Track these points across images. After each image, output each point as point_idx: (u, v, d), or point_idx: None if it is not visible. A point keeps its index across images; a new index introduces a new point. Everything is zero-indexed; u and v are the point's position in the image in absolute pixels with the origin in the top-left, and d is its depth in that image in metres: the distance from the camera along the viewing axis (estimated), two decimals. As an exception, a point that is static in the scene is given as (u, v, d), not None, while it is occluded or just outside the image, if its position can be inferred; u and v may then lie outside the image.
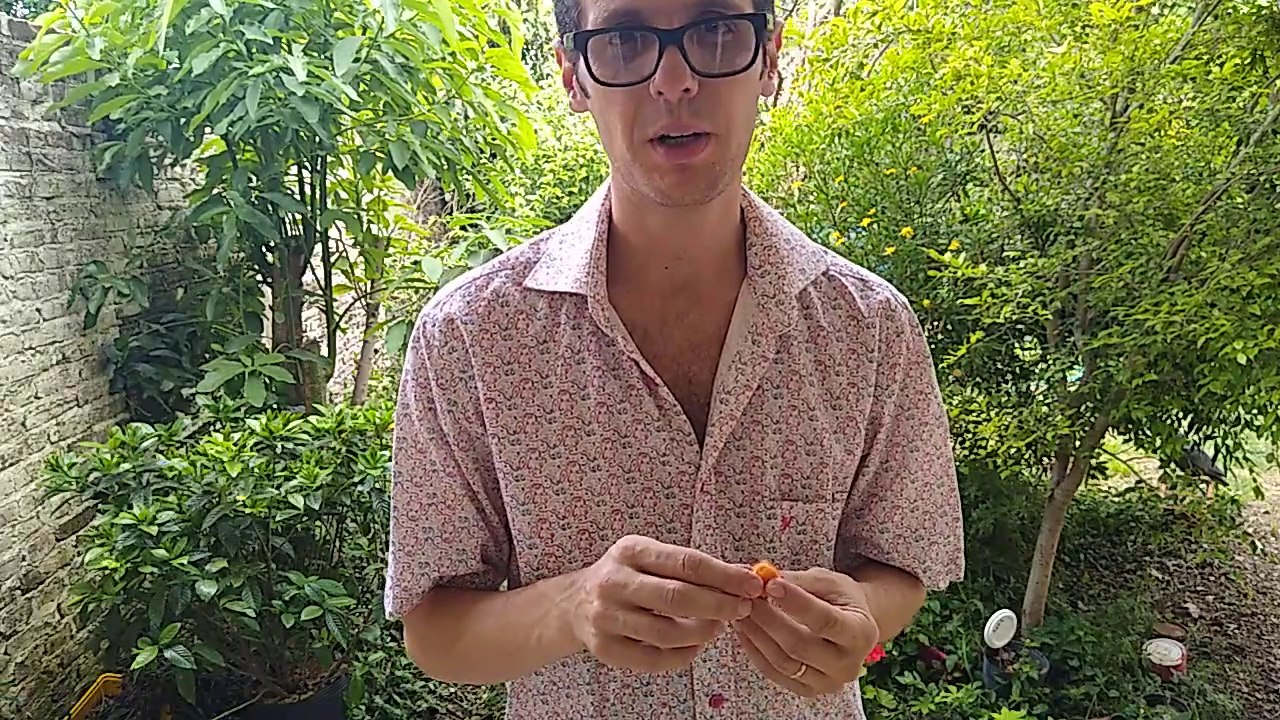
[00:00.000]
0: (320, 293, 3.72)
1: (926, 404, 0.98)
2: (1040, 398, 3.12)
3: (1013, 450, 2.82)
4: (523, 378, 0.89)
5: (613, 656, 0.72)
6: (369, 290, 4.06)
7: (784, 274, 0.90)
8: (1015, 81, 2.60)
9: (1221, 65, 2.47)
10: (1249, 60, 2.49)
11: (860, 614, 0.74)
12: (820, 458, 0.91)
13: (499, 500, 0.94)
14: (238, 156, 3.25)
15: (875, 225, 3.23)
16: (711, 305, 0.90)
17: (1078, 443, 2.95)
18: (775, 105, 5.17)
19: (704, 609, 0.68)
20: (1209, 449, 3.57)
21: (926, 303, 3.09)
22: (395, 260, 4.07)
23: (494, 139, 3.60)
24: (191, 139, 3.17)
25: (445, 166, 3.37)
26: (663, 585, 0.69)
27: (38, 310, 2.97)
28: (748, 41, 0.76)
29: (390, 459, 2.68)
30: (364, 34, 3.04)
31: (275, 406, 3.10)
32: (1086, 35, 2.66)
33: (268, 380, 3.15)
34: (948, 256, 2.65)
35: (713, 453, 0.87)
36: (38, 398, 2.96)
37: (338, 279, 3.87)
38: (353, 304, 4.10)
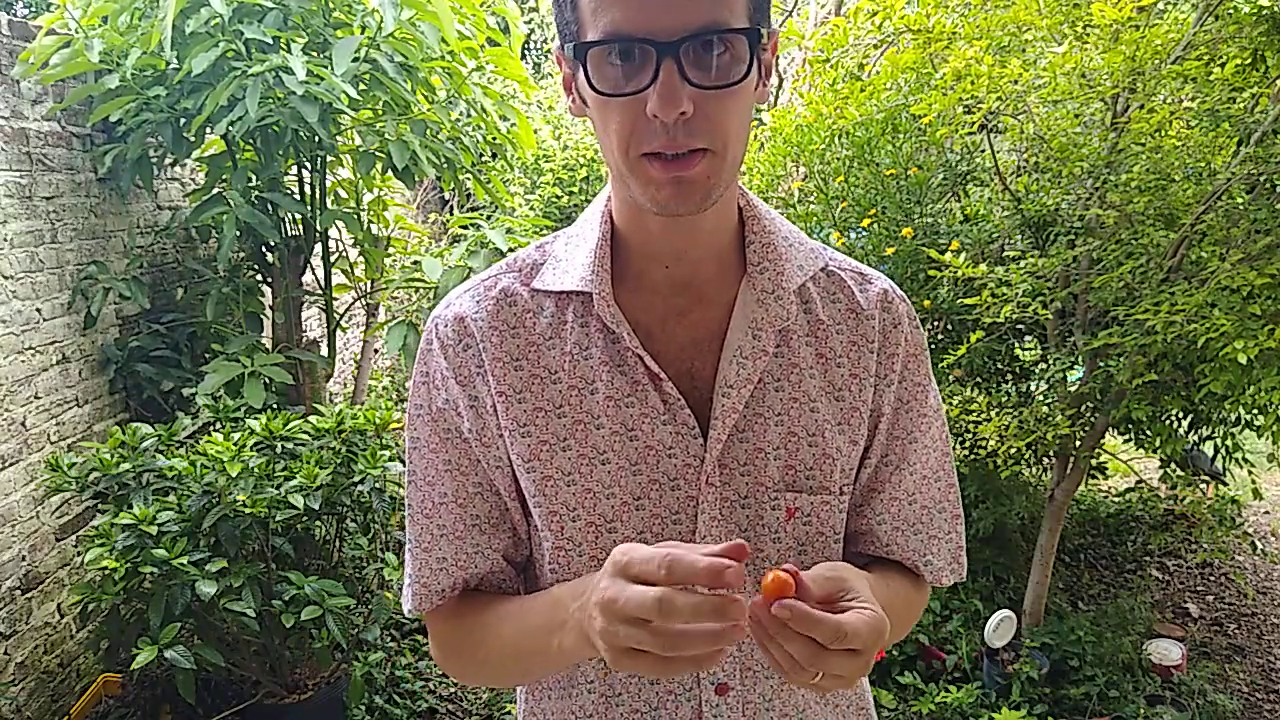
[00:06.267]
0: (320, 293, 3.72)
1: (925, 396, 0.99)
2: (1040, 398, 3.12)
3: (1013, 450, 2.82)
4: (531, 373, 0.91)
5: (625, 668, 0.73)
6: (369, 290, 4.06)
7: (782, 270, 0.92)
8: (1016, 81, 2.60)
9: (1223, 66, 2.46)
10: (1250, 60, 2.49)
11: (870, 611, 0.76)
12: (823, 449, 0.93)
13: (522, 495, 0.96)
14: (237, 156, 3.25)
15: (875, 225, 3.23)
16: (712, 303, 0.92)
17: (1078, 443, 2.95)
18: (775, 105, 5.17)
19: (688, 614, 0.69)
20: (1208, 449, 3.57)
21: (927, 303, 3.09)
22: (395, 260, 4.07)
23: (493, 138, 3.60)
24: (192, 139, 3.17)
25: (445, 166, 3.37)
26: (646, 595, 0.70)
27: (38, 310, 2.97)
28: (743, 55, 0.77)
29: (390, 459, 2.68)
30: (363, 33, 3.04)
31: (275, 406, 3.10)
32: (1087, 35, 2.66)
33: (267, 380, 3.15)
34: (948, 256, 2.65)
35: (716, 445, 0.89)
36: (38, 398, 2.96)
37: (338, 279, 3.87)
38: (353, 304, 4.09)
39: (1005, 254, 2.95)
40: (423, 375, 0.96)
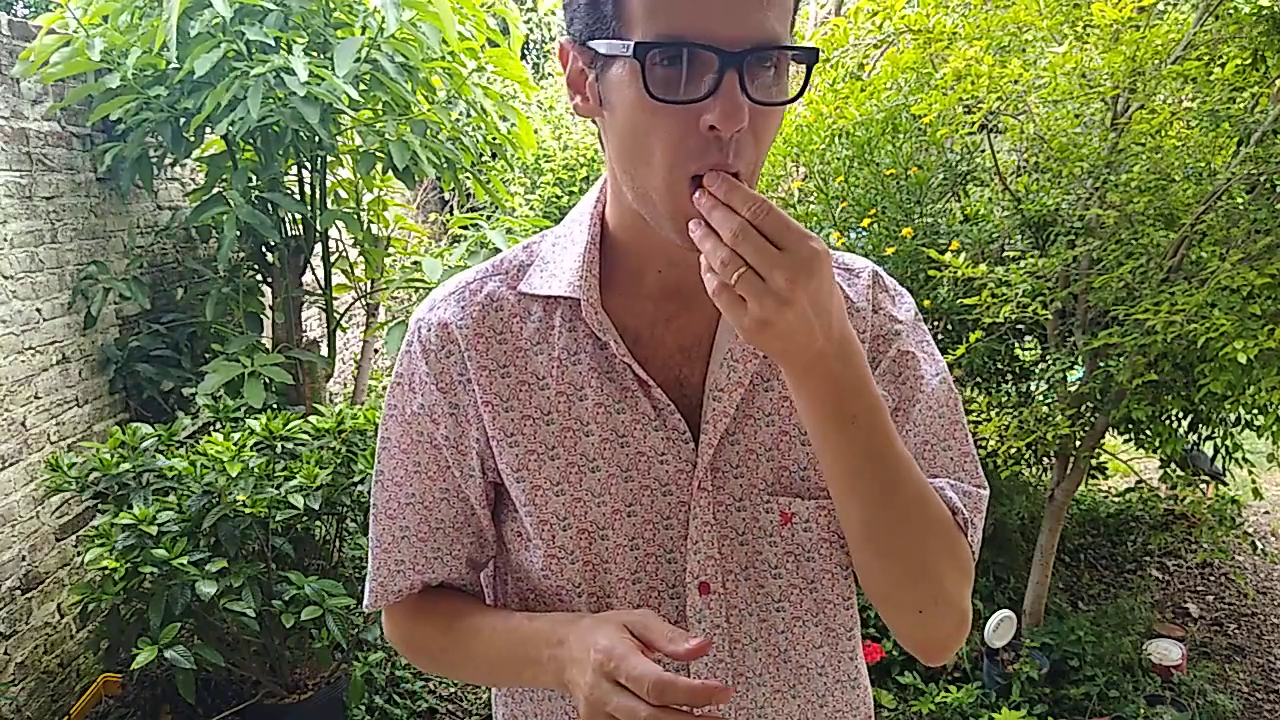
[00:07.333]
0: (320, 293, 3.72)
1: (916, 365, 0.94)
2: (1040, 398, 3.12)
3: (1013, 450, 2.82)
4: (519, 380, 0.90)
5: None
6: (369, 290, 4.06)
7: None
8: (1016, 81, 2.60)
9: (1223, 66, 2.47)
10: (1250, 60, 2.50)
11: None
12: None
13: (493, 503, 0.96)
14: (238, 156, 3.25)
15: (875, 225, 3.23)
16: (701, 308, 0.89)
17: (1078, 443, 2.95)
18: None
19: None
20: (1208, 449, 3.57)
21: (927, 303, 3.09)
22: (395, 260, 4.07)
23: (493, 138, 3.60)
24: (192, 139, 3.17)
25: (445, 166, 3.37)
26: (635, 711, 0.72)
27: (38, 310, 2.97)
28: (786, 74, 0.75)
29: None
30: (364, 34, 3.04)
31: (275, 406, 3.10)
32: (1088, 35, 2.66)
33: (268, 380, 3.15)
34: (948, 256, 2.65)
35: (708, 449, 0.88)
36: (38, 398, 2.96)
37: (338, 279, 3.87)
38: (353, 304, 4.09)
39: (1005, 254, 2.95)
40: (401, 377, 0.94)
